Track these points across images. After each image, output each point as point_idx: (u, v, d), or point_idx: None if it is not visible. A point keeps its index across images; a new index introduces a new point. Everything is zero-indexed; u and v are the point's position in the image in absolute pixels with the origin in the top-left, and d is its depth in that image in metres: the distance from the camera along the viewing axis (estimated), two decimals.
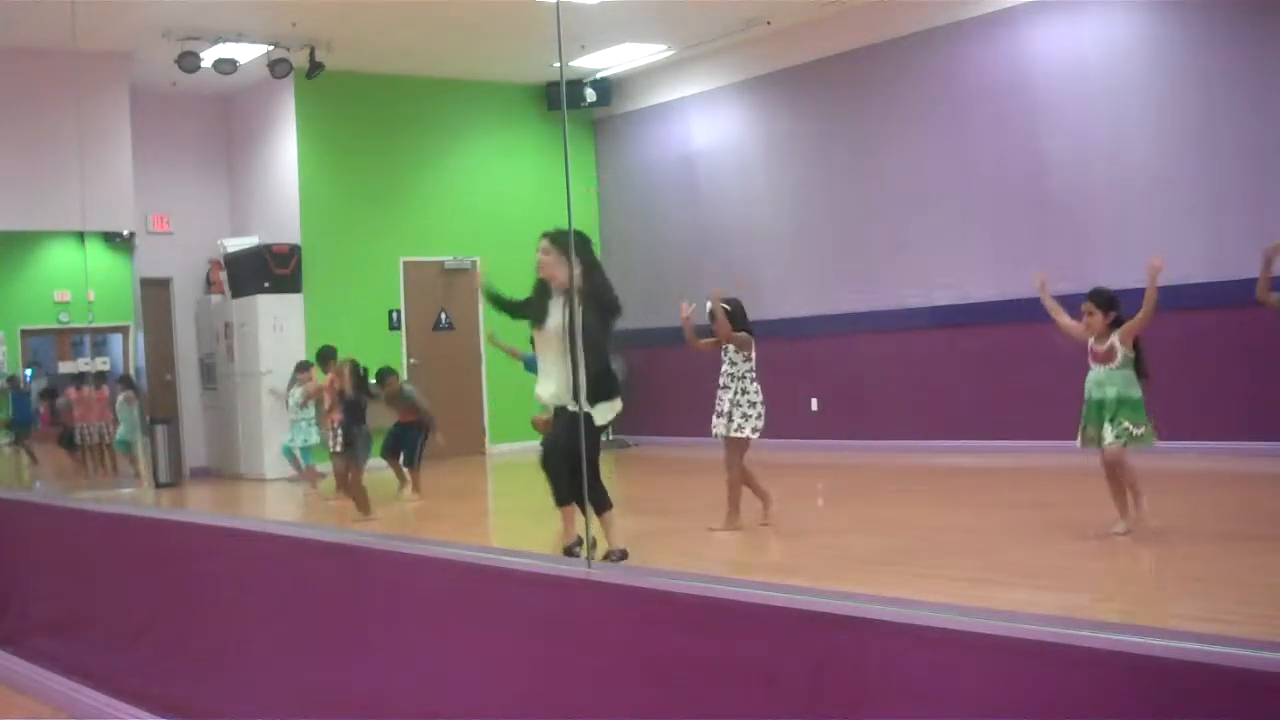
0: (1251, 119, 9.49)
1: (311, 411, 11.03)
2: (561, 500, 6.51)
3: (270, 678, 4.24)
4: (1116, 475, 6.36)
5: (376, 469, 10.39)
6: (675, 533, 7.74)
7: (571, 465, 6.34)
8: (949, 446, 10.99)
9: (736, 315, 7.53)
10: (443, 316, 13.75)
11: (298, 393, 11.05)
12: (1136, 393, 6.36)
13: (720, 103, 13.53)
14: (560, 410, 6.46)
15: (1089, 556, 6.11)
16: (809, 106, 12.63)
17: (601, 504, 6.42)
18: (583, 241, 6.65)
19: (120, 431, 12.25)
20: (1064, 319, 6.76)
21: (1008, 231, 10.94)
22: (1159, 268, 6.34)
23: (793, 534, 7.55)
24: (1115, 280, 10.14)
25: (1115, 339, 6.43)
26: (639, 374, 13.60)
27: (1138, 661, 2.05)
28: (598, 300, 6.35)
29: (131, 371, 12.49)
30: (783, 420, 12.33)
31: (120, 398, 12.28)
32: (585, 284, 6.34)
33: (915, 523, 7.56)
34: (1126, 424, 6.29)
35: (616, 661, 2.95)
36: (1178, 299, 9.84)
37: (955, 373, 11.27)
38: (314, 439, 11.02)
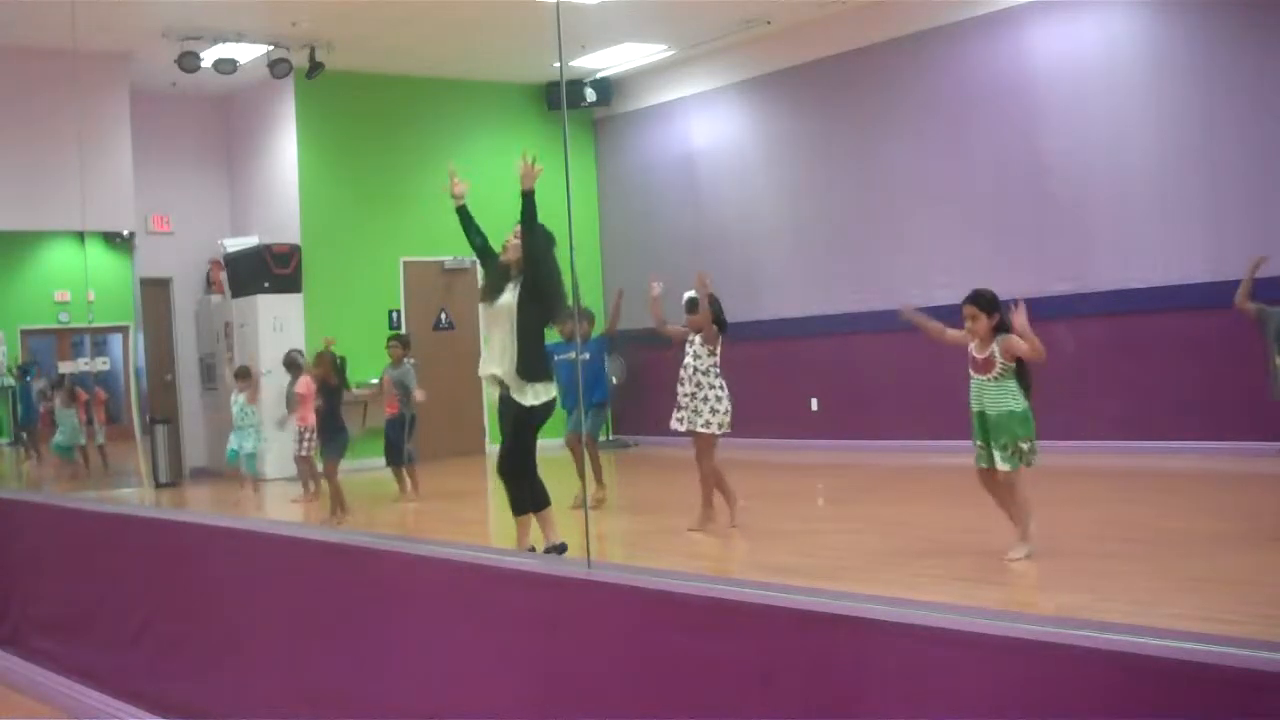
0: (1251, 119, 9.48)
1: (255, 418, 11.06)
2: (518, 510, 6.53)
3: (270, 678, 4.24)
4: (1006, 496, 6.01)
5: (369, 469, 10.40)
6: (675, 533, 7.74)
7: (517, 461, 6.46)
8: (949, 446, 10.98)
9: (715, 308, 7.51)
10: (442, 316, 13.75)
11: (241, 399, 11.05)
12: (1020, 405, 5.92)
13: (720, 103, 13.53)
14: (504, 398, 6.49)
15: (1089, 556, 6.11)
16: (809, 106, 12.63)
17: (539, 502, 6.50)
18: (547, 236, 6.66)
19: (56, 437, 12.17)
20: (946, 334, 6.27)
21: (1008, 231, 10.94)
22: (1022, 318, 5.88)
23: (792, 534, 7.55)
24: (1115, 280, 10.21)
25: (996, 348, 5.95)
26: (638, 374, 13.61)
27: (1138, 661, 2.05)
28: (542, 292, 6.44)
29: (137, 370, 12.48)
30: (783, 420, 12.40)
31: (56, 400, 12.22)
32: (535, 272, 6.40)
33: (915, 523, 7.56)
34: (1018, 443, 5.87)
35: (616, 661, 2.95)
36: (1178, 299, 9.86)
37: (955, 372, 11.24)
38: (255, 445, 11.06)
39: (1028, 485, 6.03)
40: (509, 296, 6.46)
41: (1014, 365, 5.95)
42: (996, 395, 5.97)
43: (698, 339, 7.45)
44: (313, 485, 10.35)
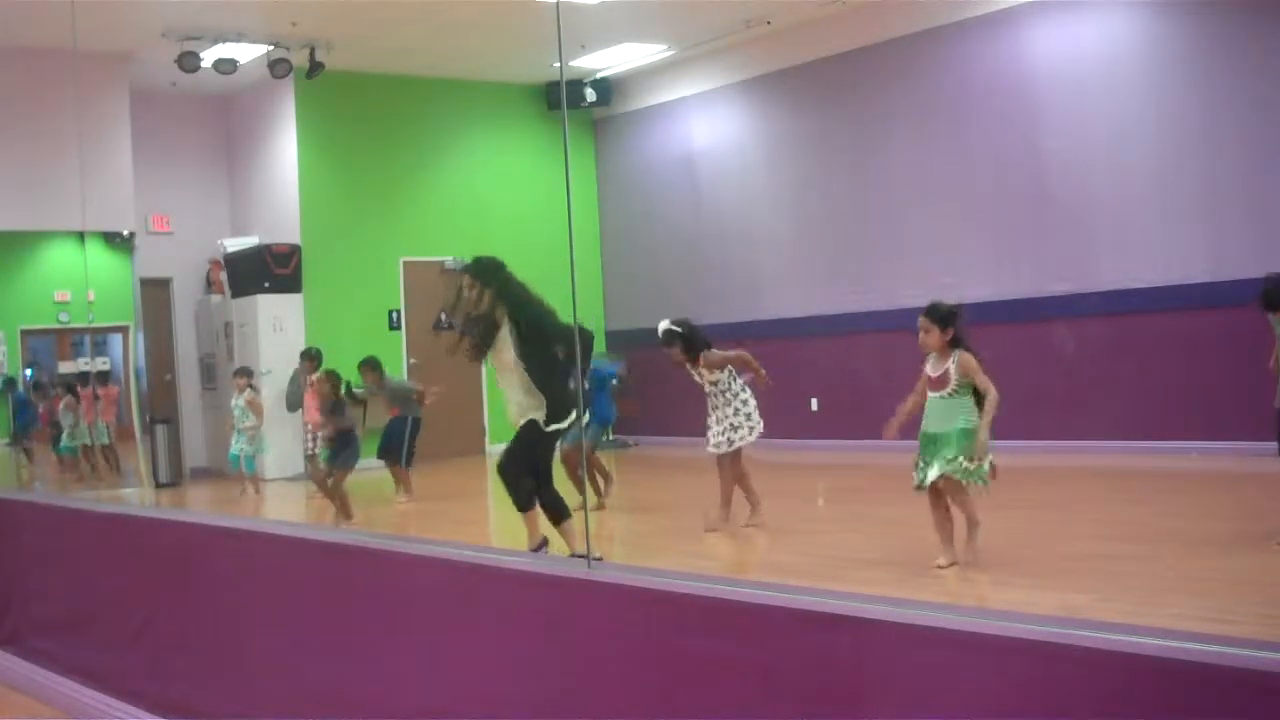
0: (1251, 119, 9.49)
1: (252, 420, 11.14)
2: (523, 507, 6.46)
3: (270, 677, 4.24)
4: (943, 503, 5.89)
5: (372, 469, 10.40)
6: (675, 533, 7.74)
7: (532, 472, 6.40)
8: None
9: (691, 337, 7.45)
10: (443, 316, 13.68)
11: (241, 400, 11.11)
12: (973, 423, 5.77)
13: (720, 103, 13.53)
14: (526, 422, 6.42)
15: (1089, 557, 6.11)
16: (809, 106, 12.63)
17: (559, 514, 6.42)
18: (491, 268, 6.48)
19: (63, 439, 12.17)
20: (911, 402, 6.09)
21: (1008, 231, 10.94)
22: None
23: (791, 534, 7.55)
24: (1116, 280, 10.21)
25: (951, 365, 5.84)
26: (638, 374, 13.61)
27: (1138, 661, 2.05)
28: (539, 331, 6.34)
29: (137, 370, 12.47)
30: (783, 420, 12.32)
31: (61, 404, 12.22)
32: (519, 314, 6.30)
33: (915, 523, 7.53)
34: (961, 459, 5.71)
35: (616, 661, 2.95)
36: (1178, 299, 9.86)
37: None
38: (253, 448, 11.18)
39: (977, 502, 5.93)
40: (508, 352, 6.34)
41: (970, 383, 5.84)
42: (947, 413, 5.83)
43: (698, 372, 7.44)
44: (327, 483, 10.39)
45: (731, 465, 7.43)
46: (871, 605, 2.50)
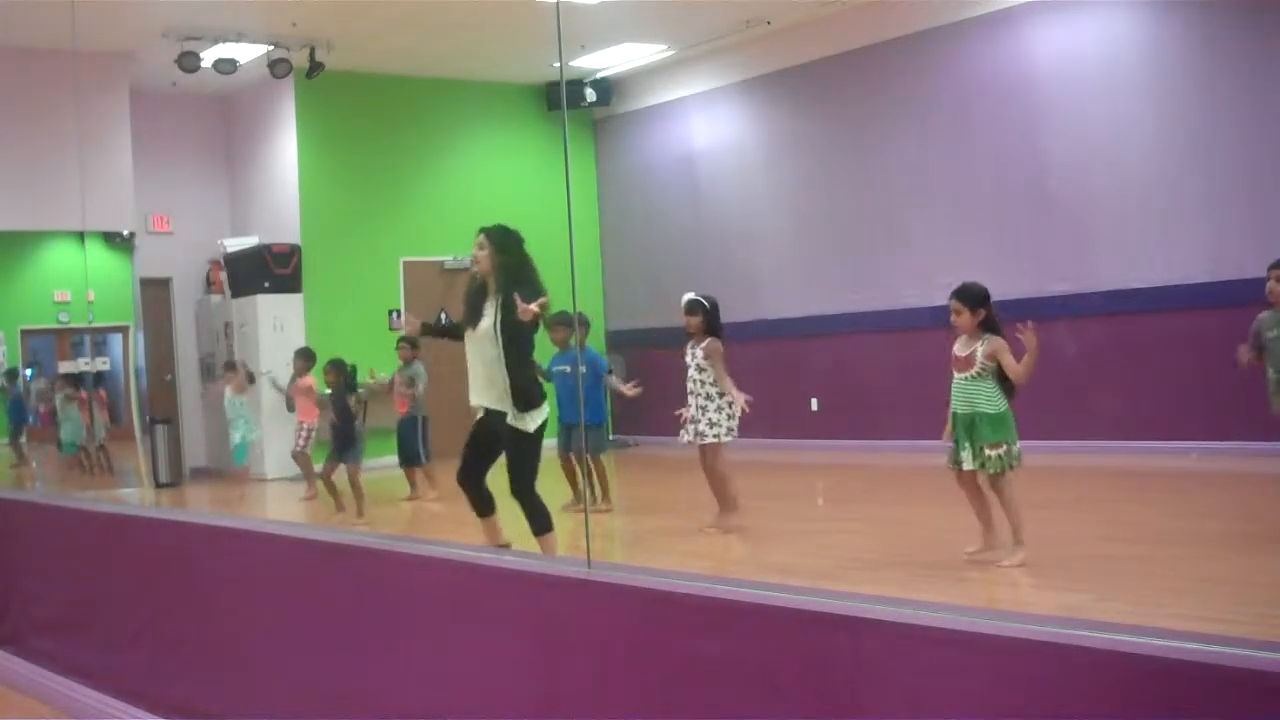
0: (1251, 119, 9.49)
1: (245, 410, 11.28)
2: (483, 513, 6.20)
3: (270, 678, 4.24)
4: (975, 486, 5.92)
5: (374, 469, 10.40)
6: (675, 533, 7.74)
7: (480, 466, 6.13)
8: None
9: (713, 314, 7.47)
10: (443, 317, 13.65)
11: (228, 390, 11.20)
12: (995, 407, 5.79)
13: (720, 103, 13.53)
14: (489, 411, 6.05)
15: (1089, 557, 6.11)
16: (809, 106, 12.63)
17: (541, 525, 6.03)
18: (511, 237, 6.16)
19: (64, 433, 12.18)
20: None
21: (1008, 231, 10.94)
22: (1035, 338, 5.67)
23: (792, 534, 7.55)
24: (1116, 280, 10.21)
25: (979, 348, 5.83)
26: (638, 374, 13.60)
27: (1138, 661, 2.05)
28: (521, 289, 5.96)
29: (137, 370, 12.47)
30: (783, 420, 12.40)
31: (60, 396, 12.22)
32: (513, 284, 5.93)
33: (915, 523, 7.56)
34: (985, 448, 5.76)
35: (616, 661, 2.95)
36: (1178, 299, 9.87)
37: None
38: (245, 436, 11.30)
39: (1015, 488, 5.90)
40: (489, 320, 6.02)
41: (994, 366, 5.84)
42: (971, 395, 5.86)
43: (699, 351, 7.41)
44: (318, 483, 10.40)
45: (710, 460, 7.41)
46: (871, 605, 2.50)
